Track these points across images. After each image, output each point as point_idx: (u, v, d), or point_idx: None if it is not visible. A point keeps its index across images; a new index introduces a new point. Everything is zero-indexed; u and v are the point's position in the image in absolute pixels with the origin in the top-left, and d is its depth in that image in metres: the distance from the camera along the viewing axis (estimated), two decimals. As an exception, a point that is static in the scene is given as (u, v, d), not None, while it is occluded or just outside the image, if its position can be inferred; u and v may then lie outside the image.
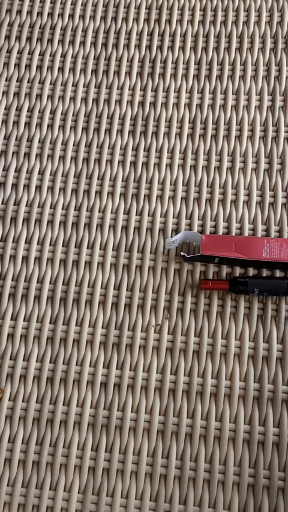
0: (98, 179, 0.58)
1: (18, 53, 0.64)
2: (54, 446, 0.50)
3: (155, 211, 0.57)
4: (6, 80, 0.63)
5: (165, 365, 0.52)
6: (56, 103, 0.62)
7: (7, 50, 0.64)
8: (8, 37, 0.65)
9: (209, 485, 0.48)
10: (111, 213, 0.57)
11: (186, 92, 0.61)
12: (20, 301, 0.55)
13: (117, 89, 0.62)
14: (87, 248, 0.56)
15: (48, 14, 0.65)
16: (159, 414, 0.50)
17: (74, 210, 0.58)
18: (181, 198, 0.57)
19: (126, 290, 0.54)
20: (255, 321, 0.52)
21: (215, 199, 0.57)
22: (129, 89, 0.62)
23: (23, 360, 0.53)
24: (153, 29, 0.64)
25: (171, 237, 0.56)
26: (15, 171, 0.59)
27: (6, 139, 0.60)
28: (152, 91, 0.61)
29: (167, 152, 0.59)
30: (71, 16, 0.65)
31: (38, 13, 0.65)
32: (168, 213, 0.57)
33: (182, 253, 0.52)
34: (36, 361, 0.53)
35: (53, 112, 0.61)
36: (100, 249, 0.56)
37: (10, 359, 0.53)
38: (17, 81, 0.63)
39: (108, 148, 0.59)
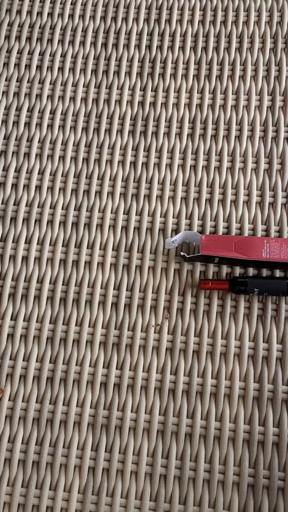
0: (97, 179, 0.58)
1: (18, 53, 0.64)
2: (54, 446, 0.50)
3: (155, 211, 0.57)
4: (6, 80, 0.63)
5: (165, 365, 0.52)
6: (55, 103, 0.62)
7: (7, 50, 0.64)
8: (7, 37, 0.65)
9: (208, 485, 0.48)
10: (111, 213, 0.57)
11: (186, 92, 0.61)
12: (20, 301, 0.55)
13: (117, 89, 0.62)
14: (87, 248, 0.56)
15: (48, 14, 0.65)
16: (159, 414, 0.50)
17: (74, 210, 0.58)
18: (181, 198, 0.57)
19: (126, 290, 0.54)
20: (255, 321, 0.52)
21: (215, 199, 0.57)
22: (129, 89, 0.62)
23: (23, 360, 0.53)
24: (153, 29, 0.64)
25: (171, 237, 0.56)
26: (15, 171, 0.59)
27: (6, 139, 0.60)
28: (151, 90, 0.61)
29: (167, 152, 0.59)
30: (71, 16, 0.65)
31: (37, 13, 0.65)
32: (168, 213, 0.57)
33: (182, 253, 0.52)
34: (36, 361, 0.53)
35: (52, 112, 0.61)
36: (100, 249, 0.56)
37: (10, 359, 0.53)
38: (16, 81, 0.63)
39: (108, 148, 0.59)
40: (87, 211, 0.57)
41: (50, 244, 0.56)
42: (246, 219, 0.56)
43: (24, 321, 0.54)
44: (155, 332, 0.53)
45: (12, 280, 0.55)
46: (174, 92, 0.61)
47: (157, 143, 0.59)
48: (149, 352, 0.52)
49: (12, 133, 0.61)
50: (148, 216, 0.57)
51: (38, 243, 0.56)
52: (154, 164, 0.59)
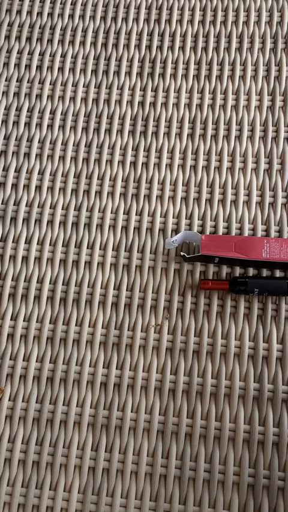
0: (97, 179, 0.58)
1: (18, 53, 0.64)
2: (54, 446, 0.50)
3: (155, 211, 0.57)
4: (6, 80, 0.63)
5: (165, 365, 0.52)
6: (55, 103, 0.62)
7: (7, 50, 0.64)
8: (7, 37, 0.65)
9: (208, 485, 0.48)
10: (111, 213, 0.57)
11: (186, 92, 0.61)
12: (20, 301, 0.55)
13: (117, 89, 0.62)
14: (87, 248, 0.56)
15: (48, 14, 0.65)
16: (159, 414, 0.50)
17: (74, 210, 0.58)
18: (181, 198, 0.57)
19: (126, 290, 0.54)
20: (255, 321, 0.52)
21: (215, 199, 0.57)
22: (129, 89, 0.62)
23: (23, 360, 0.53)
24: (153, 29, 0.64)
25: (171, 237, 0.56)
26: (15, 171, 0.59)
27: (6, 139, 0.60)
28: (151, 91, 0.61)
29: (167, 152, 0.59)
30: (71, 16, 0.65)
31: (37, 13, 0.65)
32: (168, 213, 0.57)
33: (182, 253, 0.52)
34: (36, 361, 0.53)
35: (52, 112, 0.61)
36: (100, 249, 0.56)
37: (10, 359, 0.53)
38: (16, 81, 0.63)
39: (108, 148, 0.60)
40: (87, 211, 0.57)
41: (50, 244, 0.56)
42: (246, 219, 0.56)
43: (24, 321, 0.54)
44: (155, 332, 0.53)
45: (12, 280, 0.55)
46: (174, 92, 0.61)
47: (157, 143, 0.59)
48: (149, 352, 0.52)
49: (12, 133, 0.61)
50: (148, 216, 0.57)
51: (38, 243, 0.56)
52: (154, 164, 0.59)
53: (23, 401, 0.52)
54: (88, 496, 0.49)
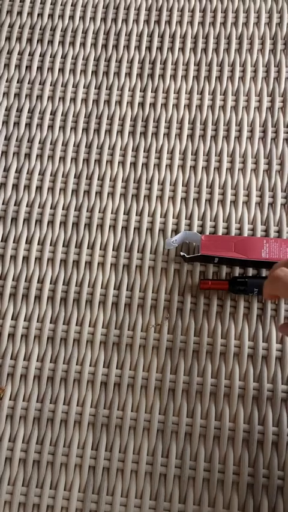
0: (98, 179, 0.59)
1: (18, 54, 0.64)
2: (54, 445, 0.50)
3: (155, 211, 0.57)
4: (7, 81, 0.63)
5: (165, 364, 0.52)
6: (56, 104, 0.62)
7: (8, 51, 0.64)
8: (8, 38, 0.65)
9: (208, 484, 0.48)
10: (112, 213, 0.57)
11: (185, 93, 0.61)
12: (21, 301, 0.55)
13: (117, 90, 0.62)
14: (88, 248, 0.56)
15: (49, 15, 0.66)
16: (159, 414, 0.51)
17: (75, 211, 0.58)
18: (181, 198, 0.58)
19: (126, 290, 0.55)
20: (255, 321, 0.53)
21: (215, 200, 0.57)
22: (129, 90, 0.62)
23: (24, 359, 0.53)
24: (153, 30, 0.64)
25: (171, 237, 0.56)
26: (15, 172, 0.60)
27: (7, 140, 0.61)
28: (151, 91, 0.62)
29: (167, 152, 0.59)
30: (72, 17, 0.65)
31: (38, 14, 0.66)
32: (168, 213, 0.57)
33: (181, 253, 0.52)
34: (37, 361, 0.53)
35: (53, 113, 0.62)
36: (100, 249, 0.56)
37: (11, 359, 0.53)
38: (17, 82, 0.63)
39: (109, 149, 0.60)
40: (87, 211, 0.58)
41: (50, 245, 0.57)
42: (245, 219, 0.56)
43: (25, 321, 0.54)
44: (155, 332, 0.53)
45: (13, 280, 0.55)
46: (174, 93, 0.61)
47: (157, 144, 0.60)
48: (149, 352, 0.52)
49: (13, 134, 0.61)
50: (148, 216, 0.57)
51: (38, 243, 0.57)
52: (154, 164, 0.59)
53: (23, 401, 0.52)
54: (88, 495, 0.49)
